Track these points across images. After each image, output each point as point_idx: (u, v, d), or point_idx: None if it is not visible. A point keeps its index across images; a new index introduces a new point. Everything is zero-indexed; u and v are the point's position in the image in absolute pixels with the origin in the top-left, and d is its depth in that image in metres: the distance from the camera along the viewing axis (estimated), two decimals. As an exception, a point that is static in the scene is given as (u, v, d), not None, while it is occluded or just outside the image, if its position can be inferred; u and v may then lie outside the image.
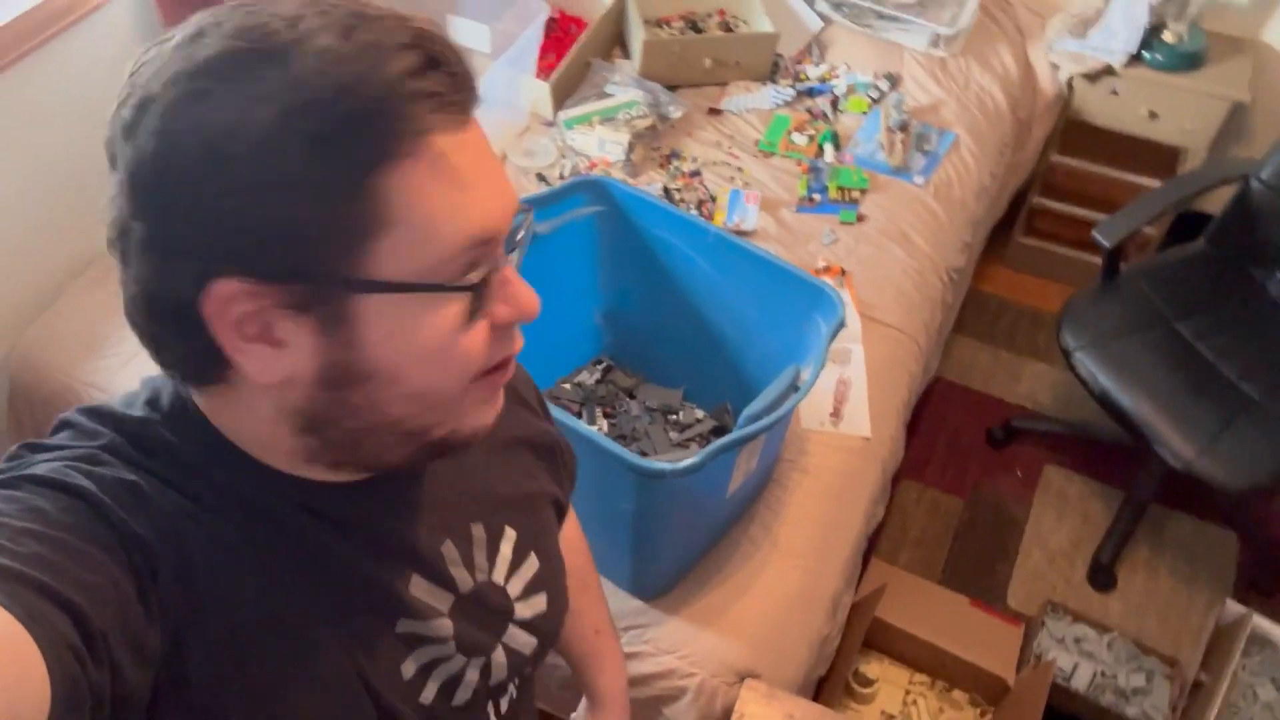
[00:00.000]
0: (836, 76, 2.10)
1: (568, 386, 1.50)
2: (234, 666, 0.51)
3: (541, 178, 1.85)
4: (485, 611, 0.66)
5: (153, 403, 0.55)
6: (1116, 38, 2.06)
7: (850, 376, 1.55)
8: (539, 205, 1.32)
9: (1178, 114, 2.09)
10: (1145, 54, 2.07)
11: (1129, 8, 2.06)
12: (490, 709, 0.70)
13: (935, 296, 1.77)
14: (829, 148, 1.94)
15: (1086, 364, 1.80)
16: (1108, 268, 1.89)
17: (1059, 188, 2.43)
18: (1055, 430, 2.20)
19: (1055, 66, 2.18)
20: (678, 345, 1.46)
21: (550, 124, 1.96)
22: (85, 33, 1.71)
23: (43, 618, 0.39)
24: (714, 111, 2.03)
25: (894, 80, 2.09)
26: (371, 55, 0.45)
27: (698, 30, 2.15)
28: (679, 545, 1.24)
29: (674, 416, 1.46)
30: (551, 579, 0.73)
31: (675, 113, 1.97)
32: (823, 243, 1.77)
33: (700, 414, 1.47)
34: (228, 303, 0.46)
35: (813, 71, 2.12)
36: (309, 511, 0.56)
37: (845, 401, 1.51)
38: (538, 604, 0.71)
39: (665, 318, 1.44)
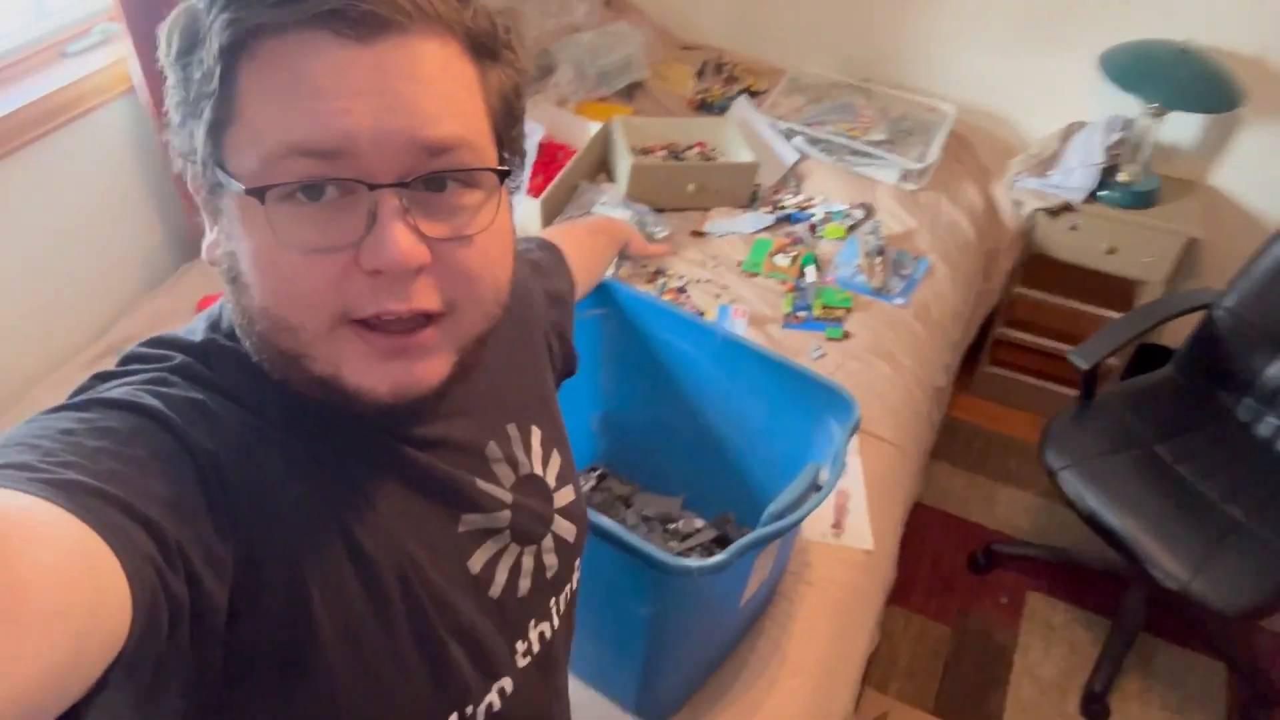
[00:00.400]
0: (813, 205, 2.18)
1: (562, 495, 1.44)
2: (308, 577, 0.51)
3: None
4: (532, 501, 0.69)
5: (214, 325, 0.57)
6: (1074, 176, 2.19)
7: (849, 488, 1.52)
8: (543, 305, 1.31)
9: (1136, 249, 2.20)
10: (1102, 192, 2.19)
11: (1085, 151, 2.19)
12: (552, 604, 0.72)
13: (923, 413, 1.77)
14: (811, 269, 1.98)
15: (1072, 483, 1.81)
16: (1085, 390, 1.93)
17: (1022, 319, 2.51)
18: (1036, 556, 2.18)
19: (1018, 203, 2.29)
20: (677, 451, 1.43)
21: (537, 240, 1.97)
22: (79, 131, 1.70)
23: (120, 530, 0.39)
24: (697, 234, 2.08)
25: (868, 210, 2.17)
26: None
27: (679, 159, 2.22)
28: (692, 658, 1.16)
29: (673, 525, 1.41)
30: (572, 473, 0.77)
31: (661, 232, 2.00)
32: (810, 357, 1.78)
33: (700, 523, 1.42)
34: (190, 178, 0.53)
35: (790, 200, 2.19)
36: (358, 423, 0.56)
37: (846, 513, 1.48)
38: (568, 494, 0.74)
39: (665, 422, 1.41)
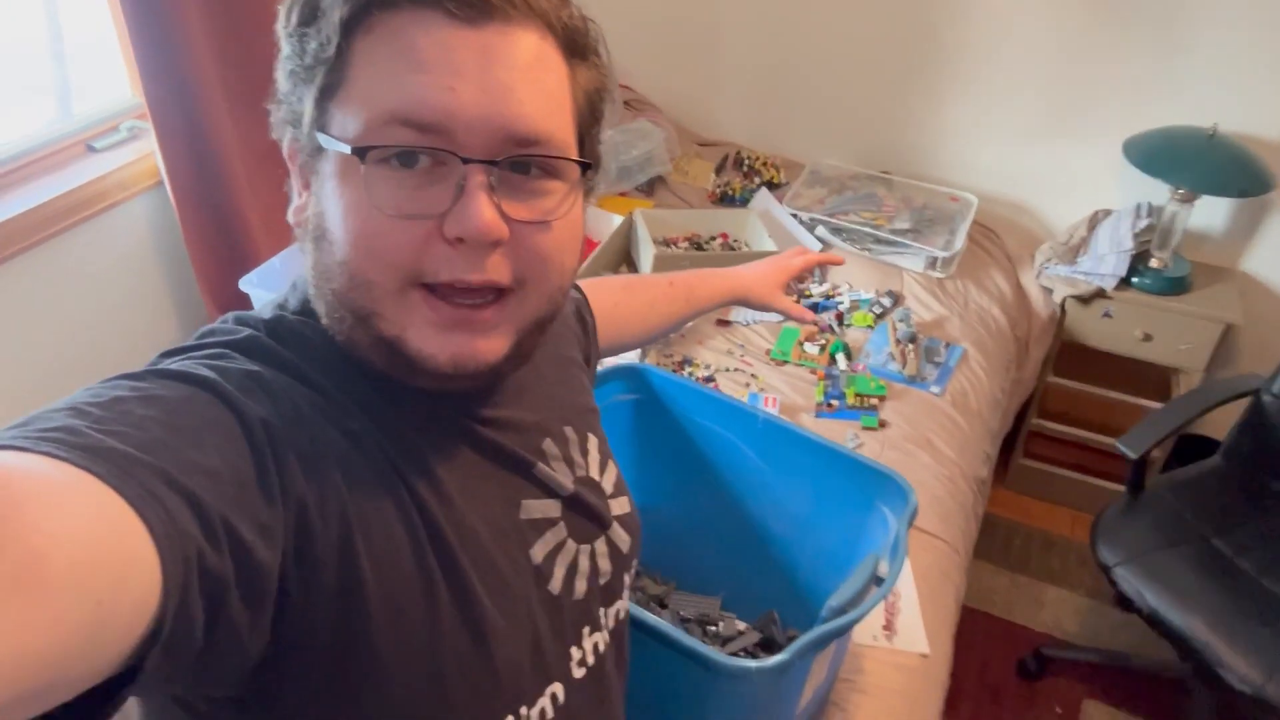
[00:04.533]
0: (839, 293, 2.14)
1: (592, 594, 1.35)
2: (360, 551, 0.51)
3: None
4: (589, 502, 0.69)
5: (282, 305, 0.59)
6: (1105, 262, 2.15)
7: (899, 586, 1.42)
8: (574, 391, 1.25)
9: (1171, 335, 2.14)
10: (1134, 279, 2.15)
11: (1114, 237, 2.17)
12: (602, 615, 0.71)
13: (968, 505, 1.69)
14: (841, 357, 1.93)
15: (1130, 580, 1.70)
16: (1134, 482, 1.84)
17: (1056, 410, 2.44)
18: (1090, 660, 2.05)
19: (1048, 290, 2.25)
20: (715, 546, 1.34)
21: (560, 331, 1.93)
22: (104, 225, 1.69)
23: (156, 501, 0.38)
24: (723, 322, 2.04)
25: (896, 297, 2.13)
26: None
27: (701, 250, 2.20)
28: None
29: (713, 628, 1.31)
30: (625, 487, 0.77)
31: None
32: (848, 446, 1.70)
33: (742, 625, 1.32)
34: (293, 148, 0.56)
35: (816, 288, 2.15)
36: (428, 400, 0.57)
37: (897, 614, 1.38)
38: (624, 504, 0.75)
39: (702, 515, 1.32)
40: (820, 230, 2.27)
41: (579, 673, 0.68)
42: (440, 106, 0.50)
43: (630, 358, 1.80)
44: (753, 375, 1.88)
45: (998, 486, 2.47)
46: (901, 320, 2.02)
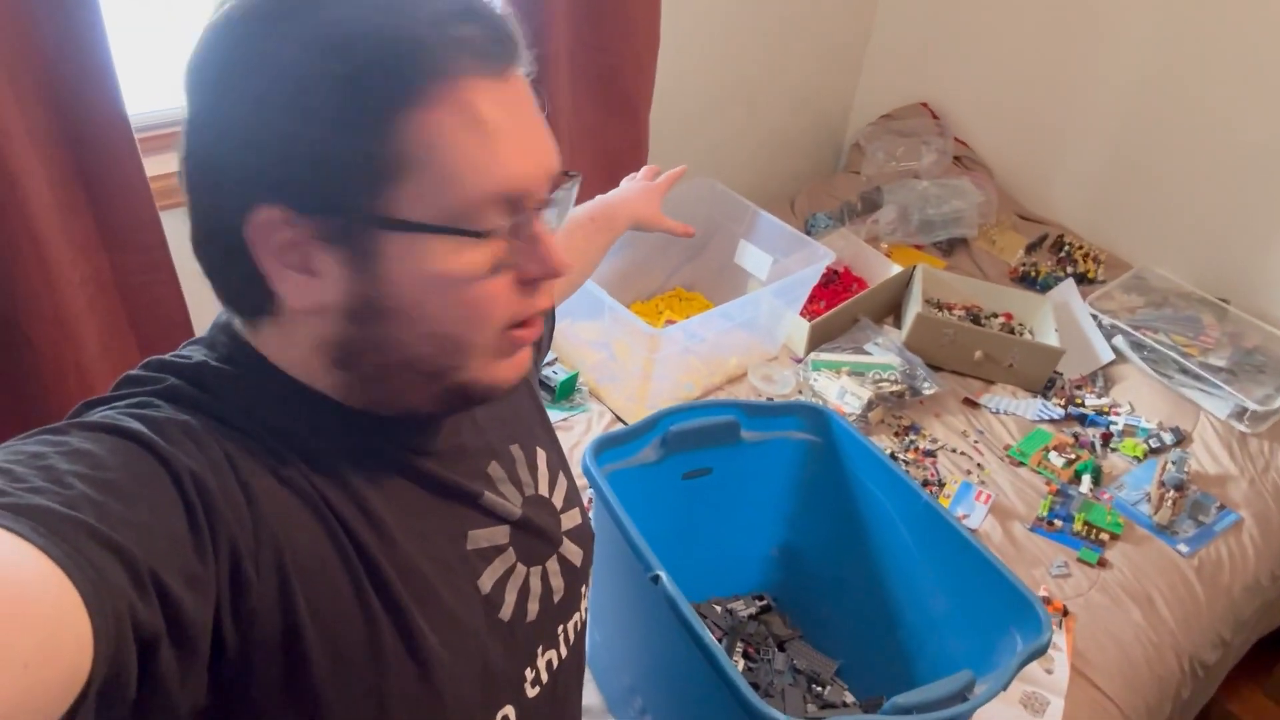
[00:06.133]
0: (1117, 413, 1.94)
1: (719, 609, 1.38)
2: (298, 596, 0.50)
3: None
4: (538, 524, 0.69)
5: (211, 346, 0.57)
6: None
7: (1039, 730, 1.30)
8: (752, 413, 1.27)
9: None
10: None
11: None
12: (560, 632, 0.71)
13: (1170, 682, 1.47)
14: (1087, 479, 1.75)
15: None
16: None
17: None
18: None
19: (1386, 486, 1.87)
20: (849, 610, 1.31)
21: (798, 360, 1.95)
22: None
23: (85, 559, 0.38)
24: (970, 403, 1.93)
25: (1181, 437, 1.88)
26: (406, 1, 0.48)
27: (977, 323, 2.09)
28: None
29: (819, 689, 1.28)
30: (578, 497, 0.76)
31: (929, 389, 1.89)
32: (1050, 572, 1.56)
33: (850, 698, 1.28)
34: (268, 229, 0.50)
35: (1091, 400, 1.96)
36: (368, 437, 0.57)
37: (1024, 756, 1.26)
38: (575, 517, 0.74)
39: (844, 574, 1.30)
40: (1119, 340, 2.06)
41: (533, 691, 0.68)
42: (526, 175, 0.53)
43: (827, 391, 1.78)
44: (979, 465, 1.77)
45: (1254, 688, 2.10)
46: (1175, 463, 1.79)
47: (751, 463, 1.29)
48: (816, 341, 1.95)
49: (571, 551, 0.72)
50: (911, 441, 1.79)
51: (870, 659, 1.28)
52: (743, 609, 1.39)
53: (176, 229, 1.47)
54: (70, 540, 0.38)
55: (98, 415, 0.49)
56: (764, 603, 1.41)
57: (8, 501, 0.38)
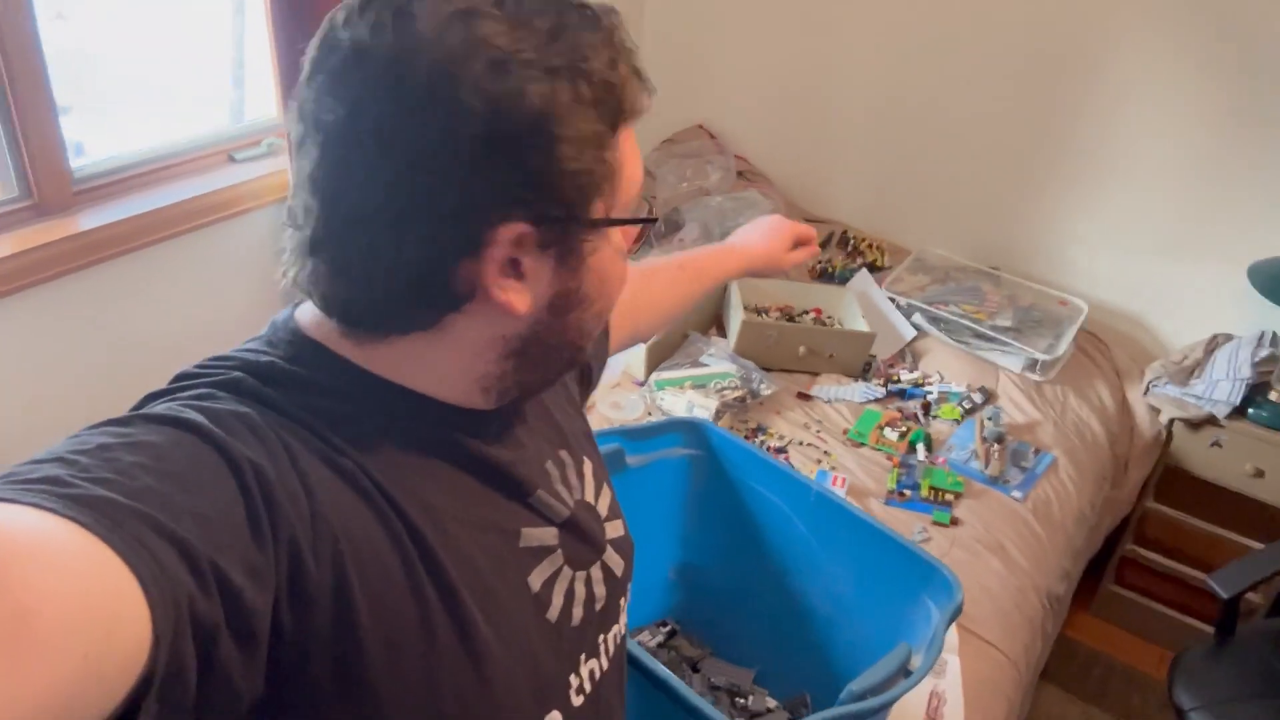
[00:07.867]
0: (930, 383, 2.09)
1: (625, 646, 1.33)
2: (355, 587, 0.50)
3: (624, 430, 1.81)
4: (585, 528, 0.69)
5: (271, 343, 0.58)
6: (1218, 388, 2.04)
7: (945, 691, 1.36)
8: (631, 438, 1.25)
9: (1286, 474, 2.00)
10: (1250, 410, 2.03)
11: (1231, 363, 2.05)
12: (601, 642, 0.71)
13: (1036, 620, 1.60)
14: (921, 447, 1.88)
15: (1207, 729, 1.57)
16: (1223, 624, 1.71)
17: (1153, 538, 2.29)
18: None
19: (1155, 409, 2.14)
20: (756, 616, 1.31)
21: (640, 384, 1.95)
22: (233, 228, 1.82)
23: (145, 550, 0.38)
24: (803, 396, 2.01)
25: (988, 395, 2.06)
26: (609, 46, 0.55)
27: (793, 321, 2.19)
28: None
29: (742, 700, 1.27)
30: (619, 510, 0.77)
31: (766, 390, 1.95)
32: (913, 539, 1.64)
33: (773, 703, 1.28)
34: (507, 246, 0.53)
35: (905, 375, 2.11)
36: (435, 428, 0.59)
37: (940, 718, 1.31)
38: (618, 527, 0.75)
39: (747, 581, 1.30)
40: (917, 317, 2.23)
41: (578, 700, 0.68)
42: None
43: (675, 407, 1.81)
44: (826, 452, 1.84)
45: (1082, 611, 2.33)
46: (991, 419, 1.96)
47: (637, 488, 1.26)
48: (655, 362, 1.97)
49: (614, 561, 0.73)
50: (762, 442, 1.84)
51: (785, 659, 1.29)
52: (649, 639, 1.36)
53: None
54: (131, 532, 0.38)
55: (160, 407, 0.49)
56: (669, 628, 1.38)
57: (71, 492, 0.39)
